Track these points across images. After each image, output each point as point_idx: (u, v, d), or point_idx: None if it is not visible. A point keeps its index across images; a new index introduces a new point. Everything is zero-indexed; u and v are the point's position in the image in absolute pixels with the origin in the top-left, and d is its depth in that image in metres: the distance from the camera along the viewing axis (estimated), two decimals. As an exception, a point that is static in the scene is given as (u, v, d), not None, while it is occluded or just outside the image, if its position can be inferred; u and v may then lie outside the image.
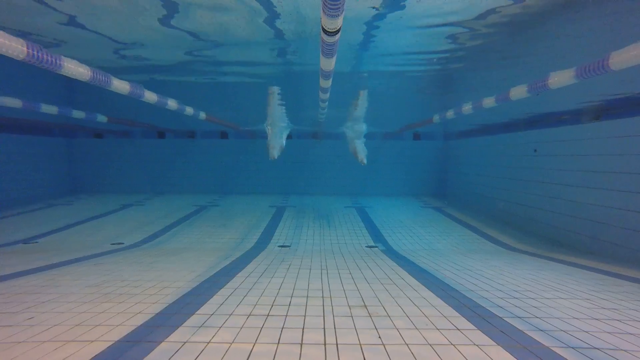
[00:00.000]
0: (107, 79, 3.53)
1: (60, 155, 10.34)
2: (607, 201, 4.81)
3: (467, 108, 5.94)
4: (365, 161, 7.54)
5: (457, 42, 6.12)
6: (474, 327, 2.48)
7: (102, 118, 7.83)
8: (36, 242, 5.62)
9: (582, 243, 5.22)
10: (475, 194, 8.82)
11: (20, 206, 8.13)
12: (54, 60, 2.75)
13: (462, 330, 2.43)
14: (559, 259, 4.72)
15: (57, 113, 6.49)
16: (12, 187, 8.38)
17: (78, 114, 7.03)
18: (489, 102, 5.44)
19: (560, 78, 3.78)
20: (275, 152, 7.36)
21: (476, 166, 8.92)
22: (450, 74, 8.85)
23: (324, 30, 2.46)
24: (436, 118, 8.15)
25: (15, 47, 2.43)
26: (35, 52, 2.55)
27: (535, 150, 6.45)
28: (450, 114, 6.63)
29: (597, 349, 2.18)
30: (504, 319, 2.65)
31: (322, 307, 2.88)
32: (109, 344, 2.19)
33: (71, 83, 9.49)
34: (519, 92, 4.57)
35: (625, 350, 2.16)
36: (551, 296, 3.18)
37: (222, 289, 3.29)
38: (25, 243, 5.57)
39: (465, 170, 9.62)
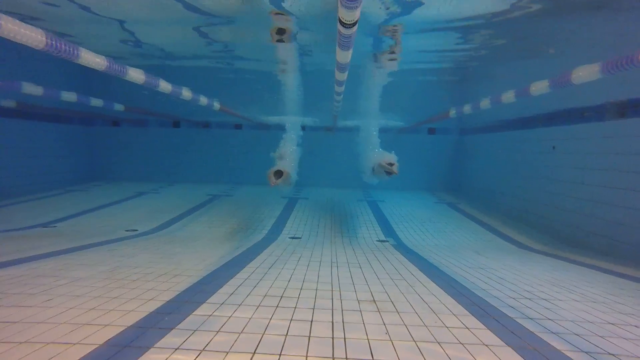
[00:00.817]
0: (123, 69, 3.57)
1: (79, 143, 10.57)
2: (629, 202, 4.66)
3: (485, 103, 5.80)
4: (397, 171, 5.36)
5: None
6: (483, 327, 2.45)
7: (119, 107, 7.94)
8: (54, 227, 5.79)
9: (601, 244, 5.08)
10: (491, 190, 8.66)
11: (40, 191, 8.38)
12: (71, 50, 2.79)
13: (471, 329, 2.40)
14: (576, 260, 4.61)
15: (76, 100, 6.62)
16: (31, 173, 8.63)
17: (96, 102, 7.15)
18: (508, 97, 5.29)
19: (585, 73, 3.64)
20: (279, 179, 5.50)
21: (492, 162, 8.75)
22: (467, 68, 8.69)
23: (341, 23, 2.42)
24: (452, 112, 7.99)
25: (35, 37, 2.47)
26: (53, 42, 2.59)
27: (553, 147, 6.27)
28: (467, 108, 6.49)
29: (612, 354, 2.13)
30: (515, 319, 2.61)
31: (331, 300, 2.89)
32: (122, 328, 2.25)
33: (88, 72, 9.67)
34: (540, 87, 4.43)
35: (641, 357, 2.11)
36: (565, 298, 3.11)
37: (232, 279, 3.33)
38: (44, 227, 5.74)
39: (481, 166, 9.45)
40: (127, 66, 3.65)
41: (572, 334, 2.39)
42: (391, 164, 5.22)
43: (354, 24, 2.43)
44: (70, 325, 2.27)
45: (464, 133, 10.56)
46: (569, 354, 2.12)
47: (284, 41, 6.51)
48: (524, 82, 4.65)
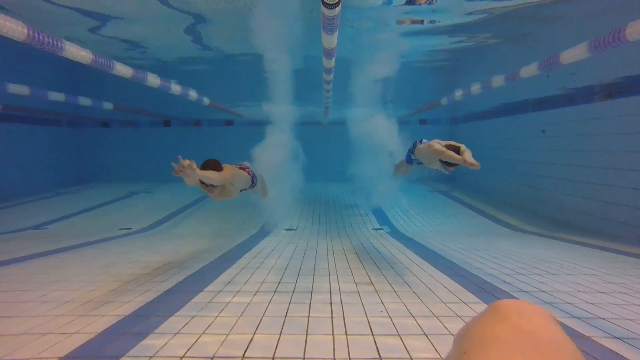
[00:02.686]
0: (110, 63, 3.53)
1: (69, 145, 10.43)
2: (616, 180, 4.74)
3: (475, 88, 5.83)
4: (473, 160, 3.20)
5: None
6: (479, 300, 2.49)
7: (108, 105, 7.83)
8: (46, 228, 5.72)
9: (591, 223, 5.16)
10: (483, 177, 8.74)
11: (30, 194, 8.25)
12: (55, 42, 2.75)
13: (467, 304, 2.44)
14: (567, 239, 4.69)
15: (64, 100, 6.51)
16: (21, 176, 8.50)
17: (84, 101, 7.05)
18: (497, 81, 5.34)
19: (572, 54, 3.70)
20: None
21: (483, 149, 8.82)
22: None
23: (324, 3, 2.39)
24: (444, 101, 8.05)
25: (16, 29, 2.43)
26: (35, 35, 2.55)
27: (543, 131, 6.34)
28: (458, 94, 6.52)
29: (603, 318, 2.18)
30: (510, 293, 2.66)
31: (328, 283, 2.91)
32: (120, 318, 2.24)
33: (76, 71, 9.53)
34: (530, 70, 4.49)
35: (631, 320, 2.16)
36: (558, 272, 3.17)
37: (229, 269, 3.34)
38: (36, 229, 5.67)
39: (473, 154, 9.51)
40: (114, 60, 3.61)
41: (565, 303, 2.44)
42: (457, 147, 3.21)
43: (336, 4, 2.40)
44: (67, 317, 2.25)
45: (455, 122, 10.63)
46: (562, 320, 2.16)
47: None
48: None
